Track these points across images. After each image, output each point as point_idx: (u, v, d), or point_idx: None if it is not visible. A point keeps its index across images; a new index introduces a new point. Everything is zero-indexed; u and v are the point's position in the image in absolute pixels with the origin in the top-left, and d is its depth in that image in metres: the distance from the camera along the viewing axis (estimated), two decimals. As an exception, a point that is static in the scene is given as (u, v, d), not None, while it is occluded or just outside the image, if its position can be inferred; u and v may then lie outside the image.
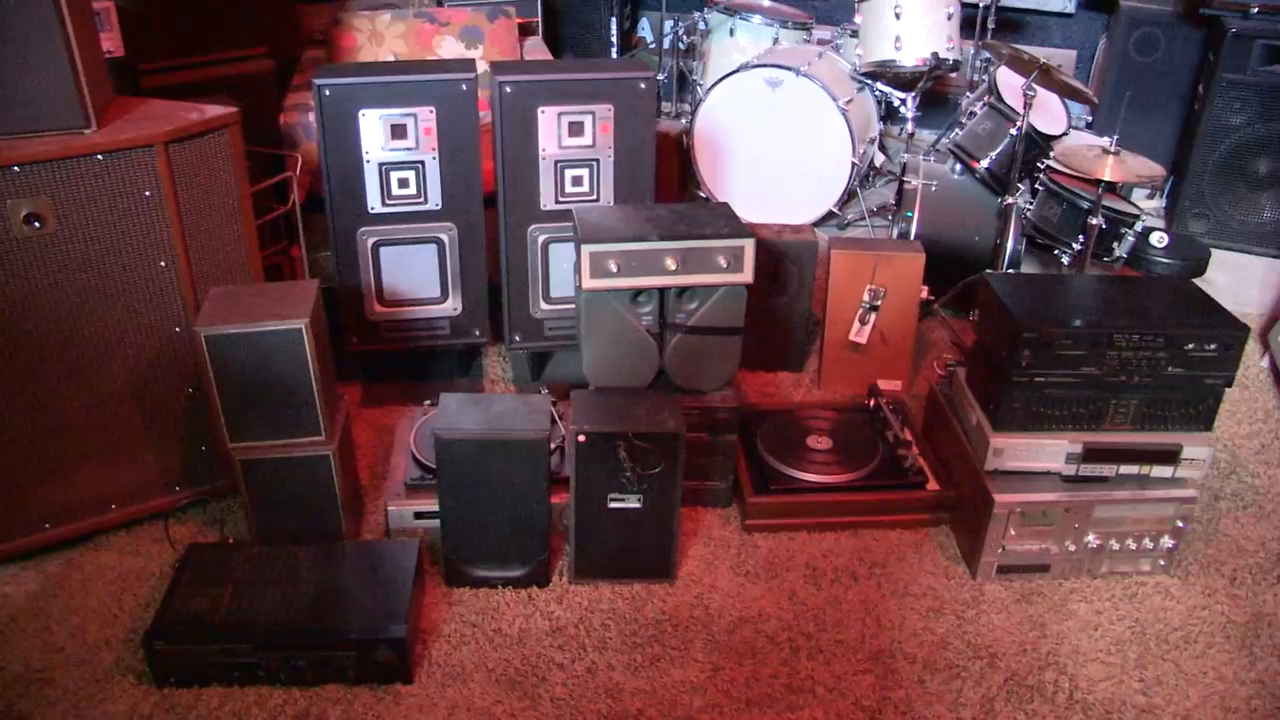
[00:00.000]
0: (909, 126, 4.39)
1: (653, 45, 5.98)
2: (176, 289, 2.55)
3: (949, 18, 4.29)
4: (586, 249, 2.60)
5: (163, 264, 2.52)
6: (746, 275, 2.69)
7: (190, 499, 2.77)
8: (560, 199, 3.11)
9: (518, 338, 3.28)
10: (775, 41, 4.87)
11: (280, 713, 2.27)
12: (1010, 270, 3.66)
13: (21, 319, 2.42)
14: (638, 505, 2.55)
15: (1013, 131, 3.50)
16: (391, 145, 3.00)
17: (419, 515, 2.76)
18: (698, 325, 2.74)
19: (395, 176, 3.03)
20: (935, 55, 4.25)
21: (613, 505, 2.54)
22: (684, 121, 4.90)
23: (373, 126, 2.97)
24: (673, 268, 2.63)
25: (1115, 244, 3.46)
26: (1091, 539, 2.65)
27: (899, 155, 4.33)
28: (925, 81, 4.40)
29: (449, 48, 4.21)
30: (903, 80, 4.50)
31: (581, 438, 2.47)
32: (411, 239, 3.11)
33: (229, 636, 2.29)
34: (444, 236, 3.12)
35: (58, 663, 2.39)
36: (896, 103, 4.54)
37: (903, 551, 2.79)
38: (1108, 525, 2.64)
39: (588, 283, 2.63)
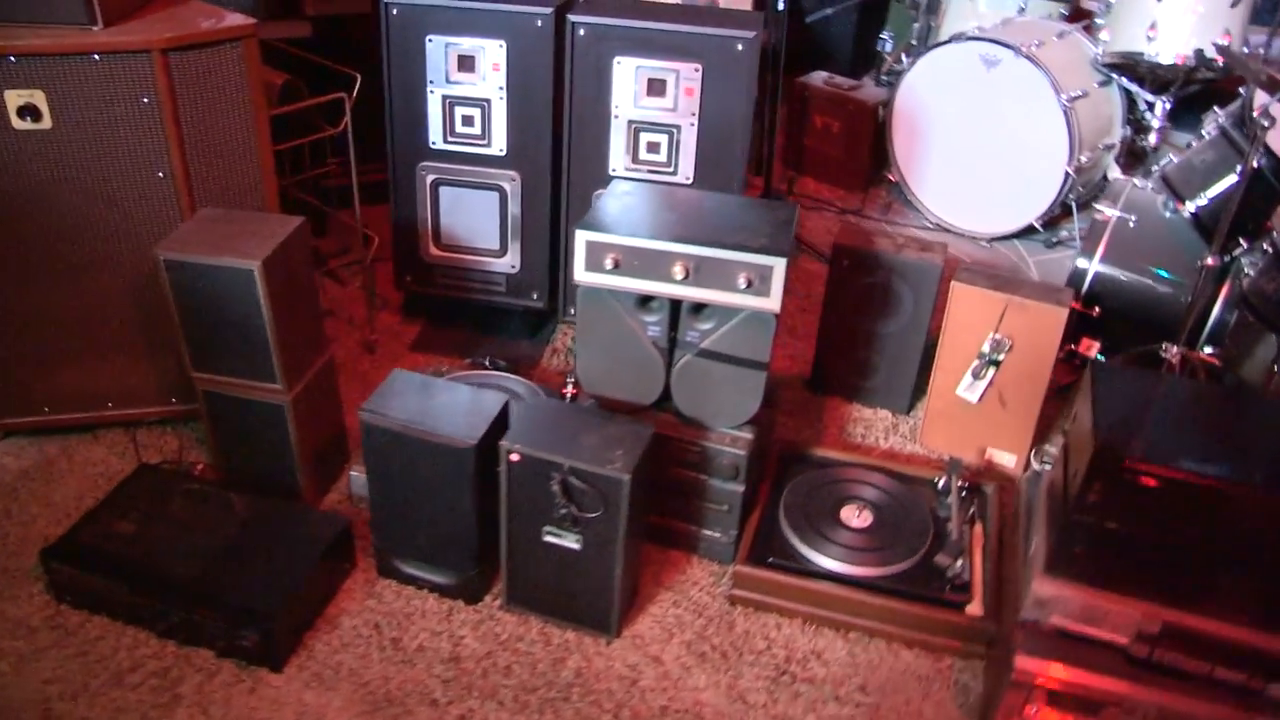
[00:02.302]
0: (1152, 138, 3.38)
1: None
2: (175, 202, 2.33)
3: (1233, 3, 3.19)
4: (582, 235, 2.09)
5: (160, 175, 2.28)
6: (773, 302, 2.06)
7: (182, 413, 2.61)
8: (633, 165, 2.59)
9: (572, 310, 2.83)
10: (1021, 11, 3.92)
11: (144, 663, 2.05)
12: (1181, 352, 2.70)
13: (22, 212, 2.27)
14: (576, 546, 2.07)
15: (1239, 169, 2.50)
16: (457, 77, 2.60)
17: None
18: (711, 350, 2.17)
19: (460, 112, 2.64)
20: (1200, 53, 3.18)
21: (548, 539, 2.08)
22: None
23: (438, 54, 2.58)
24: (680, 276, 2.06)
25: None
26: (1150, 752, 1.86)
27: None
28: (1184, 85, 3.34)
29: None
30: (1161, 79, 3.45)
31: (514, 456, 2.01)
32: (473, 183, 2.72)
33: (114, 572, 2.09)
34: (506, 186, 2.70)
35: (-10, 549, 2.31)
36: (1144, 106, 3.51)
37: (908, 681, 2.12)
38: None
39: (581, 275, 2.13)
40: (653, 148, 2.55)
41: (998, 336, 2.55)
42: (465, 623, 2.19)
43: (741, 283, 2.03)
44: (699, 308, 2.13)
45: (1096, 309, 2.89)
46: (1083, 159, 3.48)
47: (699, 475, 2.26)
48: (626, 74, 2.47)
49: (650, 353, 2.19)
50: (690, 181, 2.57)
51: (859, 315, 2.75)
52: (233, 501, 2.28)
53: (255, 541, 2.17)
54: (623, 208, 2.19)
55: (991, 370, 2.58)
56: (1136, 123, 3.55)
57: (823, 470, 2.45)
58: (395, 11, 2.53)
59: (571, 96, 2.53)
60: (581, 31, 2.45)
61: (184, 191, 2.31)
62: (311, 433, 2.38)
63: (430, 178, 2.72)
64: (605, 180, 2.60)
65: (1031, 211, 3.59)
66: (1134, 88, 3.53)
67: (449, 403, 2.10)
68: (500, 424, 2.08)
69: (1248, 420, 1.88)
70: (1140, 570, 1.82)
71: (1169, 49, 3.24)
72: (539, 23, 2.48)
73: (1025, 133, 3.52)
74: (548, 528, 2.06)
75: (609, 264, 2.08)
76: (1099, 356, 2.94)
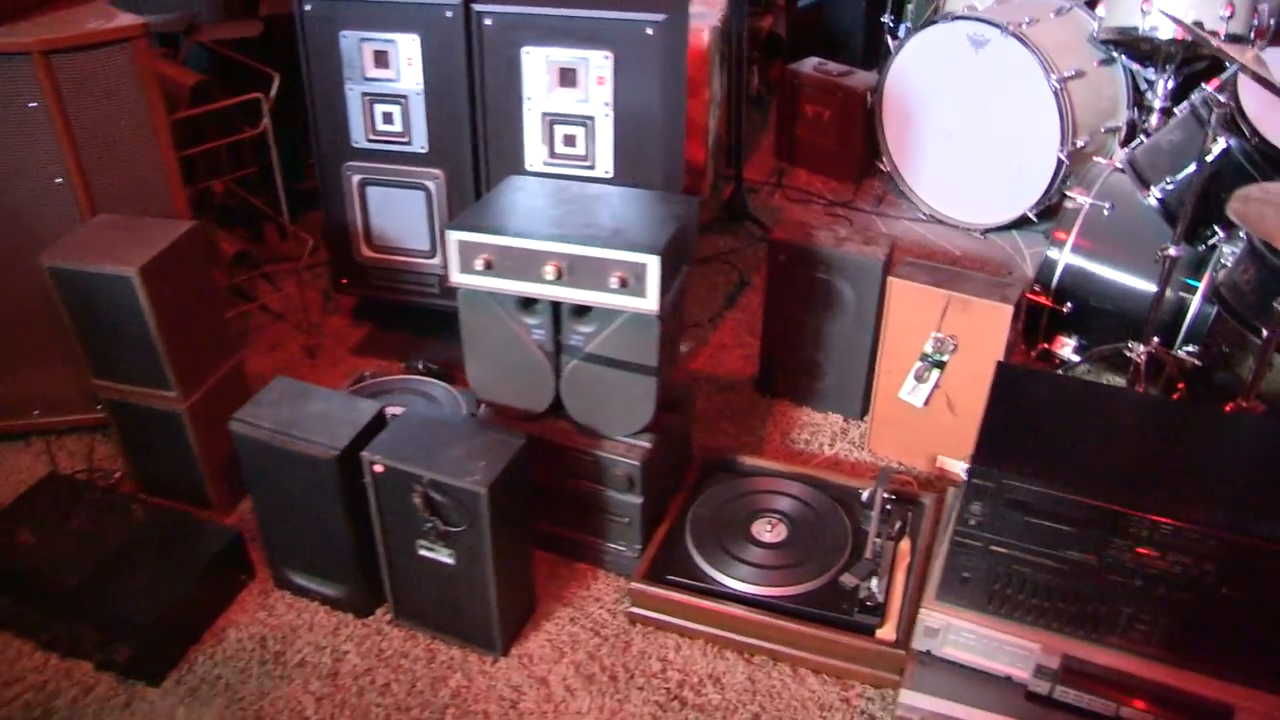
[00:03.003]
0: (1154, 120, 3.07)
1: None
2: (75, 208, 2.28)
3: None
4: (453, 235, 1.96)
5: (59, 180, 2.24)
6: (649, 303, 1.89)
7: (105, 421, 2.57)
8: (550, 159, 2.45)
9: (505, 312, 2.70)
10: (1027, -16, 3.64)
11: (23, 676, 2.01)
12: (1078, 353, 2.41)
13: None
14: (450, 561, 1.95)
15: (1214, 152, 2.21)
16: (373, 73, 2.50)
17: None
18: (596, 354, 2.02)
19: (379, 109, 2.54)
20: (1200, 27, 2.87)
21: (423, 553, 1.96)
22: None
23: (353, 50, 2.48)
24: (551, 277, 1.91)
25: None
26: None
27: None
28: (1187, 62, 3.02)
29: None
30: (1162, 55, 3.14)
31: (377, 468, 1.90)
32: (398, 182, 2.62)
33: (2, 583, 2.07)
34: (430, 185, 2.59)
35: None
36: (1144, 85, 3.20)
37: (809, 711, 1.92)
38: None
39: (455, 276, 2.00)
40: (569, 141, 2.40)
41: (940, 335, 2.33)
42: (351, 637, 2.09)
43: (614, 282, 1.88)
44: (581, 310, 1.98)
45: (1069, 304, 2.63)
46: (1079, 143, 3.19)
47: (595, 486, 2.11)
48: (536, 64, 2.34)
49: (536, 357, 2.05)
50: (611, 176, 2.41)
51: (802, 314, 2.56)
52: (133, 511, 2.22)
53: (144, 552, 2.11)
54: (504, 206, 2.05)
55: (936, 372, 2.37)
56: (1141, 103, 3.24)
57: (741, 480, 2.28)
58: (309, 7, 2.44)
59: (483, 90, 2.41)
60: (488, 21, 2.33)
61: (84, 197, 2.26)
62: (218, 441, 2.31)
63: (356, 178, 2.62)
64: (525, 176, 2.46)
65: (1024, 201, 3.31)
66: (1134, 66, 3.22)
67: (322, 412, 2.00)
68: (371, 434, 1.97)
69: (1153, 432, 1.64)
70: (1036, 598, 1.61)
71: (1166, 23, 2.94)
72: (449, 14, 2.36)
73: (1016, 117, 3.25)
74: (420, 541, 1.94)
75: (480, 265, 1.95)
76: (1074, 357, 2.69)
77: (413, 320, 2.94)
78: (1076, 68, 3.20)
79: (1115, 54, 3.25)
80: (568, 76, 2.33)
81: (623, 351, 1.98)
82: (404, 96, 2.50)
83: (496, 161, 2.48)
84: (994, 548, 1.58)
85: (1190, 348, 2.47)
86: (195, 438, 2.26)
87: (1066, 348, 2.69)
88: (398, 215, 2.66)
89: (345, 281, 2.81)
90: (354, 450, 1.92)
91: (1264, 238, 1.93)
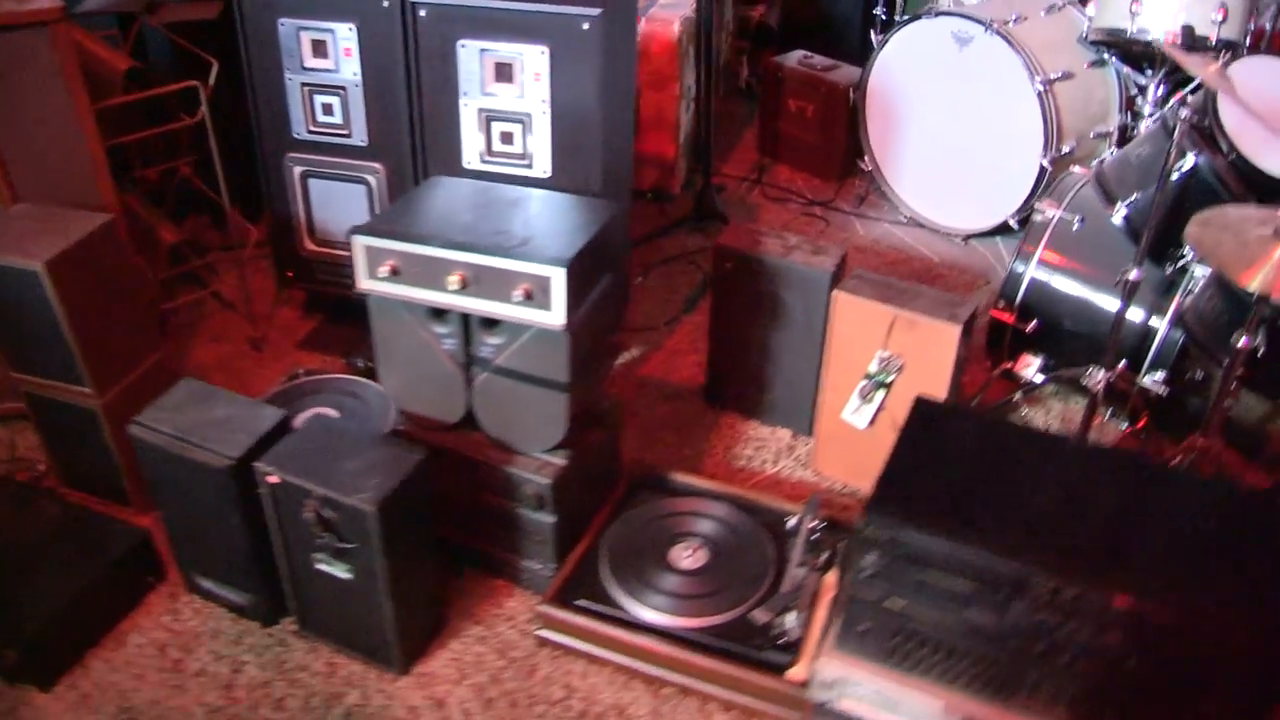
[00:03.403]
0: (1144, 126, 2.89)
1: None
2: (-4, 196, 2.23)
3: None
4: (358, 240, 1.87)
5: (-23, 167, 2.19)
6: (555, 317, 1.79)
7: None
8: (488, 157, 2.34)
9: (447, 312, 2.61)
10: (1024, -20, 3.46)
11: (-82, 675, 1.98)
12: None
13: None
14: (347, 576, 1.87)
15: (1180, 169, 2.05)
16: (312, 63, 2.40)
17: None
18: (506, 367, 1.92)
19: (319, 100, 2.45)
20: (1189, 31, 2.69)
21: (319, 567, 1.88)
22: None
23: (291, 39, 2.38)
24: (455, 286, 1.81)
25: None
26: None
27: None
28: (1177, 68, 2.84)
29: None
30: (1153, 59, 2.96)
31: (272, 479, 1.82)
32: (339, 175, 2.53)
33: (-105, 579, 2.02)
34: (371, 179, 2.50)
35: None
36: (1134, 90, 3.02)
37: (712, 749, 1.84)
38: None
39: (362, 283, 1.91)
40: (507, 138, 2.30)
41: (886, 354, 2.21)
42: (254, 647, 2.03)
43: (519, 295, 1.77)
44: (491, 321, 1.88)
45: (1034, 322, 2.49)
46: (1064, 149, 3.03)
47: (507, 503, 2.02)
48: (472, 58, 2.23)
49: (448, 368, 1.96)
50: (549, 176, 2.30)
51: (749, 324, 2.44)
52: (46, 507, 2.17)
53: (49, 551, 2.05)
54: (417, 209, 1.96)
55: (881, 393, 2.24)
56: (1133, 108, 3.07)
57: (668, 500, 2.17)
58: (249, -7, 2.35)
59: (419, 83, 2.30)
60: (423, 12, 2.22)
61: (3, 186, 2.20)
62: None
63: (298, 169, 2.54)
64: (462, 175, 2.36)
65: (1006, 208, 3.16)
66: (1125, 68, 3.04)
67: (224, 418, 1.92)
68: (272, 442, 1.89)
69: (1075, 485, 1.51)
70: (939, 655, 1.50)
71: (1157, 24, 2.76)
72: (384, 2, 2.26)
73: (999, 119, 3.09)
74: (316, 555, 1.86)
75: (385, 271, 1.85)
76: (1038, 378, 2.55)
77: (364, 313, 2.85)
78: (1064, 69, 3.03)
79: (1106, 56, 3.07)
80: (504, 71, 2.23)
81: (532, 366, 1.88)
82: (343, 88, 2.40)
83: (435, 158, 2.38)
84: (889, 603, 1.46)
85: (1158, 375, 2.32)
86: (112, 435, 2.19)
87: (1030, 367, 2.55)
88: (340, 209, 2.57)
89: (291, 275, 2.73)
90: (251, 459, 1.85)
91: (1217, 267, 1.78)
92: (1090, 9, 3.00)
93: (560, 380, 1.88)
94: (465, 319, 1.90)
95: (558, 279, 1.75)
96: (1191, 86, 2.28)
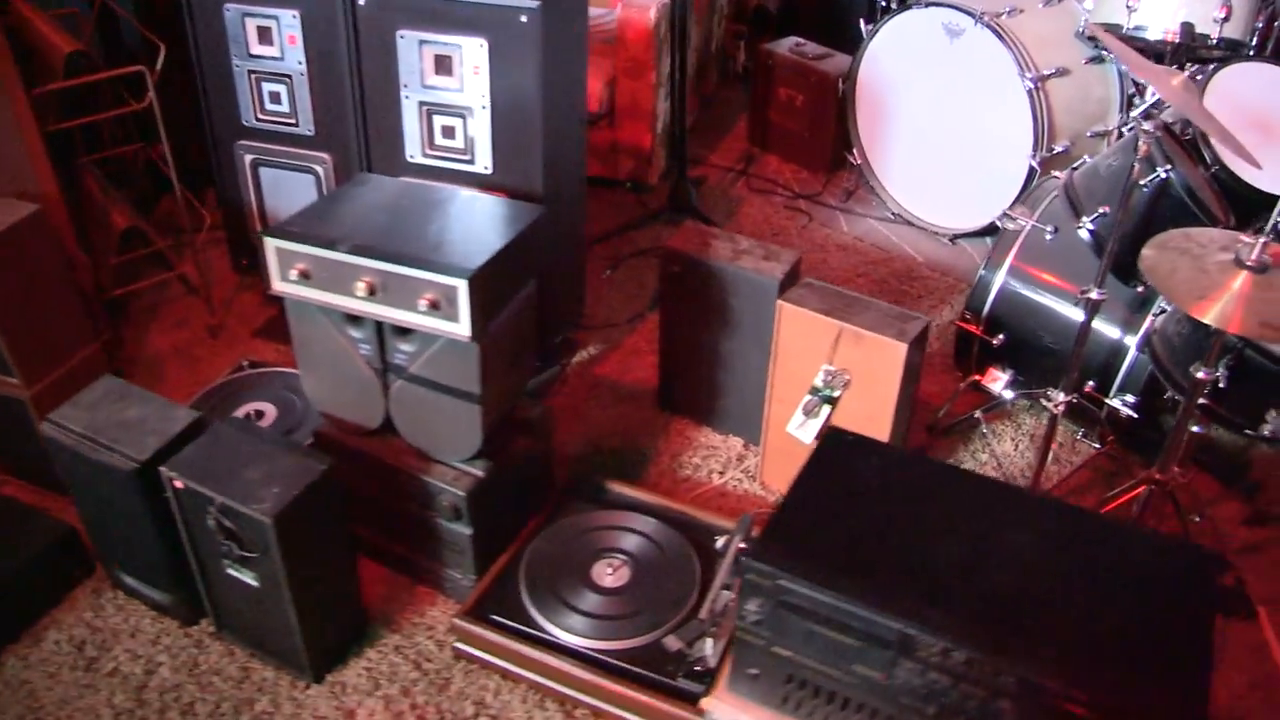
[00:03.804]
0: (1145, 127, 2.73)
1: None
2: (-71, 183, 2.20)
3: None
4: (269, 242, 1.81)
5: (-90, 152, 2.16)
6: (461, 328, 1.72)
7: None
8: (430, 151, 2.27)
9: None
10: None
11: None
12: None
13: None
14: (254, 583, 1.83)
15: (1149, 181, 1.92)
16: (258, 50, 2.34)
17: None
18: (419, 376, 1.85)
19: (266, 88, 2.39)
20: (1189, 29, 2.53)
21: (230, 573, 1.85)
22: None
23: (236, 25, 2.32)
24: (363, 293, 1.75)
25: (1263, 418, 1.84)
26: None
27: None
28: (1179, 66, 2.68)
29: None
30: (1152, 56, 2.79)
31: (178, 484, 1.78)
32: (288, 164, 2.47)
33: None
34: (319, 168, 2.44)
35: None
36: (1132, 89, 2.86)
37: (617, 776, 1.78)
38: None
39: (275, 285, 1.85)
40: (448, 132, 2.22)
41: (832, 369, 2.12)
42: (170, 648, 2.00)
43: (424, 304, 1.71)
44: (404, 328, 1.82)
45: (1001, 335, 2.37)
46: (1057, 148, 2.88)
47: (426, 511, 1.96)
48: (411, 49, 2.15)
49: (365, 373, 1.90)
50: (490, 172, 2.23)
51: (698, 330, 2.36)
52: (-27, 496, 2.16)
53: (-34, 543, 2.05)
54: (335, 210, 1.90)
55: (826, 408, 2.15)
56: (1133, 108, 2.91)
57: (598, 512, 2.10)
58: (191, -23, 2.29)
59: (361, 74, 2.23)
60: (362, 1, 2.14)
61: (-62, 170, 2.17)
62: (68, 429, 2.22)
63: (249, 157, 2.48)
64: (404, 169, 2.29)
65: (995, 208, 3.02)
66: (1124, 65, 2.88)
67: (137, 418, 1.88)
68: (183, 444, 1.85)
69: (988, 533, 1.42)
70: (831, 706, 1.42)
71: (1155, 21, 2.60)
72: (327, -10, 2.19)
73: (989, 115, 2.95)
74: (224, 560, 1.83)
75: (295, 275, 1.79)
76: (1006, 393, 2.44)
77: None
78: (1059, 65, 2.88)
79: (1104, 52, 2.91)
80: (443, 64, 2.15)
81: (444, 376, 1.82)
82: (289, 76, 2.34)
83: (378, 150, 2.32)
84: (776, 650, 1.39)
85: (1127, 397, 2.20)
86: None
87: (998, 382, 2.44)
88: (290, 198, 2.51)
89: (245, 262, 2.69)
90: (159, 461, 1.81)
91: (1166, 295, 1.67)
92: (1089, 2, 2.84)
93: (472, 391, 1.81)
94: (379, 325, 1.84)
95: (463, 290, 1.67)
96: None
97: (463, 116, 2.19)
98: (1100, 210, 2.06)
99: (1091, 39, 2.86)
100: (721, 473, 2.40)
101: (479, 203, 1.96)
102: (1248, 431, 1.90)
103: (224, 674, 1.96)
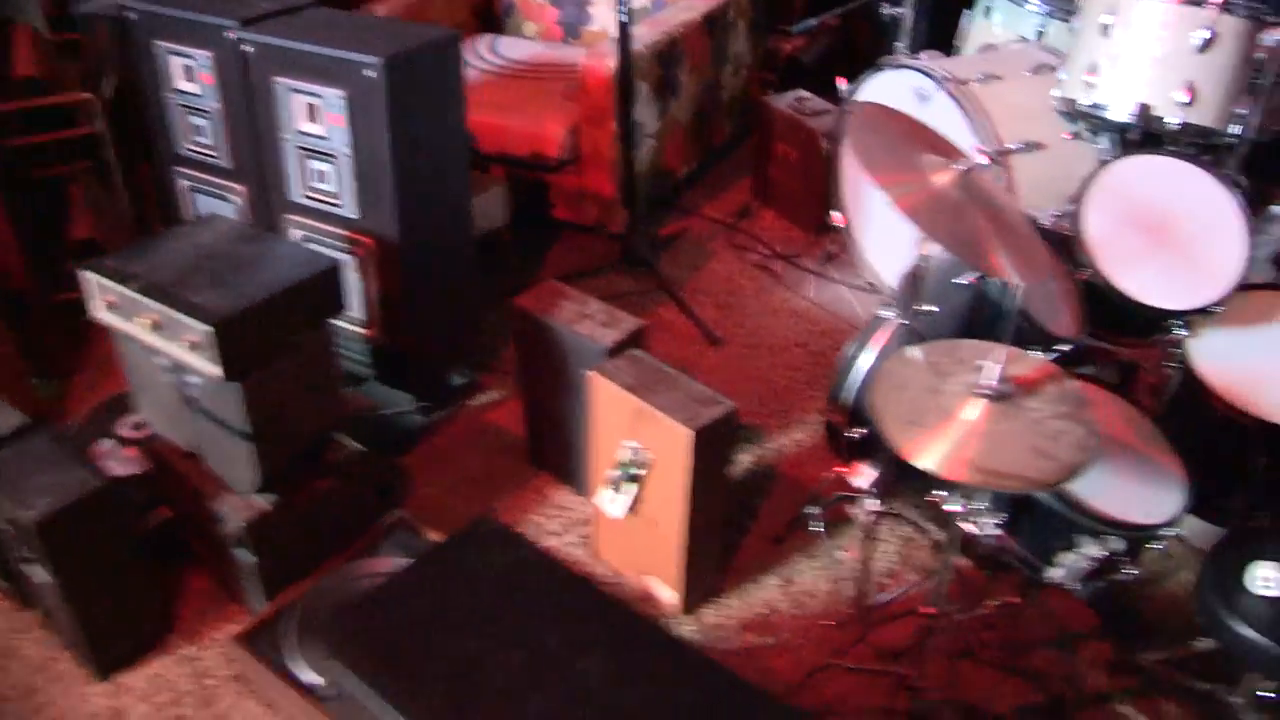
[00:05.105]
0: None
1: None
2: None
3: (1201, 48, 2.26)
4: (84, 274, 2.01)
5: None
6: (215, 370, 1.85)
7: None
8: (307, 192, 2.43)
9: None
10: (1039, 35, 3.10)
11: None
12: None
13: None
14: (40, 581, 2.03)
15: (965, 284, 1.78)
16: (181, 85, 2.58)
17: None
18: (204, 409, 2.00)
19: (191, 121, 2.63)
20: (1145, 110, 2.31)
21: (22, 568, 2.06)
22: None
23: (164, 60, 2.57)
24: (146, 329, 1.92)
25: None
26: None
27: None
28: (1142, 146, 2.44)
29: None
30: (1121, 138, 2.56)
31: (-21, 483, 2.01)
32: (214, 193, 2.70)
33: None
34: (236, 199, 2.66)
35: None
36: (1096, 168, 2.63)
37: (321, 822, 1.85)
38: None
39: (92, 312, 2.05)
40: (321, 176, 2.38)
41: (634, 446, 2.11)
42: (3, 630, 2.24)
43: (186, 343, 1.86)
44: (193, 362, 1.98)
45: (864, 429, 2.27)
46: (1018, 229, 2.70)
47: (224, 534, 2.11)
48: (286, 95, 2.32)
49: (176, 398, 2.08)
50: (358, 216, 2.37)
51: (550, 389, 2.40)
52: None
53: None
54: (158, 246, 2.07)
55: (634, 485, 2.14)
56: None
57: (394, 559, 2.18)
58: (130, 15, 2.55)
59: (253, 116, 2.43)
60: (249, 49, 2.33)
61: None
62: None
63: (185, 183, 2.74)
64: (289, 207, 2.47)
65: (953, 286, 2.86)
66: (1098, 144, 2.66)
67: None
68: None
69: (558, 648, 1.40)
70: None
71: (1116, 100, 2.39)
72: (228, 34, 2.39)
73: (948, 188, 2.80)
74: (20, 559, 2.04)
75: (104, 305, 1.99)
76: (871, 489, 2.33)
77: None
78: (1032, 139, 2.70)
79: (1083, 128, 2.70)
80: (313, 112, 2.31)
81: (221, 413, 1.97)
82: (209, 111, 2.57)
83: (272, 187, 2.50)
84: (354, 722, 1.43)
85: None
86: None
87: (863, 478, 2.33)
88: (220, 224, 2.75)
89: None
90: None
91: (874, 420, 1.56)
92: (1061, 73, 2.65)
93: (245, 430, 1.95)
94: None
95: (210, 336, 1.82)
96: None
97: (331, 163, 2.35)
98: (927, 307, 1.95)
99: (1062, 114, 2.66)
100: (559, 535, 2.42)
101: (286, 251, 2.10)
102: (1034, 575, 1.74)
103: (29, 661, 2.16)
